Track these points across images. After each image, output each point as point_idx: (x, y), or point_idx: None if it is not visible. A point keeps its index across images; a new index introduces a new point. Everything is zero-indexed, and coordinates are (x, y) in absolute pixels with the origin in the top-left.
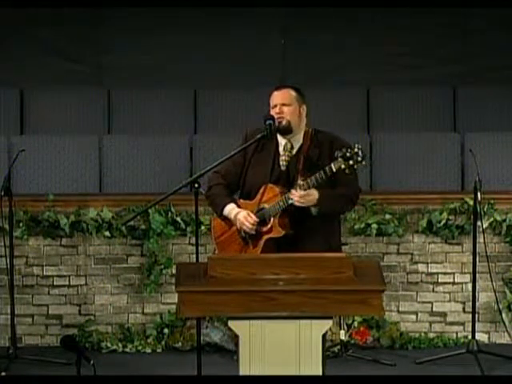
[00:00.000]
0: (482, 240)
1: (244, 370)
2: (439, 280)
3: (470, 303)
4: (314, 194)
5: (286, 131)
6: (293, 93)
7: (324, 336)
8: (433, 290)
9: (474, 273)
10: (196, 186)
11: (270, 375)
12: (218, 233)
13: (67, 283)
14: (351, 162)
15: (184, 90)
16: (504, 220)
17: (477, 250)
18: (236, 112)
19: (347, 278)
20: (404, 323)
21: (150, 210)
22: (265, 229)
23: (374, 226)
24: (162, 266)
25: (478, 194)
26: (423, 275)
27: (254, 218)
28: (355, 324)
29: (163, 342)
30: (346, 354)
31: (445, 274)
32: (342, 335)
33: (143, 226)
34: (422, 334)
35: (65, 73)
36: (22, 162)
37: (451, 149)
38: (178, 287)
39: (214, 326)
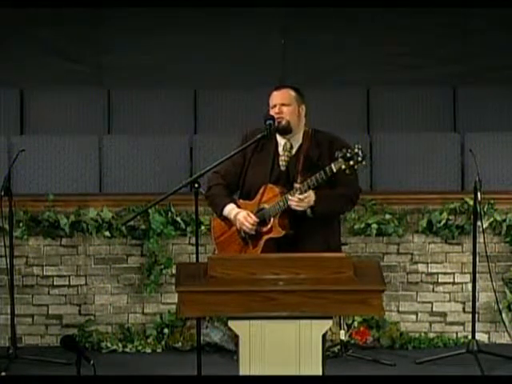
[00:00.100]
0: (482, 240)
1: (244, 370)
2: (439, 280)
3: (470, 303)
4: (311, 196)
5: (286, 131)
6: (292, 93)
7: (324, 336)
8: (433, 290)
9: (474, 273)
10: (196, 186)
11: (270, 375)
12: (218, 233)
13: (67, 283)
14: (351, 163)
15: (184, 89)
16: (504, 220)
17: (477, 250)
18: (236, 112)
19: (347, 277)
20: (404, 323)
21: (150, 210)
22: (265, 229)
23: (374, 226)
24: (162, 266)
25: (478, 194)
26: (423, 275)
27: (253, 219)
28: (355, 324)
29: (163, 342)
30: (346, 354)
31: (445, 274)
32: (342, 335)
33: (143, 226)
34: (422, 334)
35: (65, 73)
36: (22, 162)
37: (451, 149)
38: (178, 287)
39: (214, 325)
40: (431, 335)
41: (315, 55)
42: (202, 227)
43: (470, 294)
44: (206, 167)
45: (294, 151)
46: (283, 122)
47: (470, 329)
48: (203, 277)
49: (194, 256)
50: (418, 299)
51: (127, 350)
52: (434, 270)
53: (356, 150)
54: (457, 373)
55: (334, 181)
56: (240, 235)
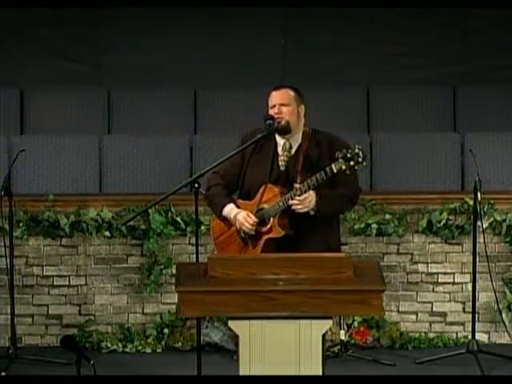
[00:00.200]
0: (482, 240)
1: (244, 370)
2: (439, 280)
3: (470, 303)
4: (312, 196)
5: (285, 131)
6: (291, 93)
7: (324, 336)
8: (433, 290)
9: (474, 273)
10: (196, 186)
11: (270, 375)
12: (218, 233)
13: (67, 283)
14: (352, 163)
15: (184, 89)
16: (504, 220)
17: (477, 250)
18: (236, 112)
19: (347, 278)
20: (404, 323)
21: (149, 210)
22: (264, 229)
23: (374, 226)
24: (162, 266)
25: (478, 193)
26: (423, 275)
27: (253, 219)
28: (355, 324)
29: (163, 342)
30: (346, 354)
31: (445, 274)
32: (342, 335)
33: (143, 226)
34: (422, 334)
35: (65, 73)
36: (22, 162)
37: (451, 149)
38: (178, 287)
39: (214, 325)
40: (431, 335)
41: (315, 55)
42: (202, 227)
43: (470, 294)
44: (206, 167)
45: (293, 151)
46: (282, 122)
47: (469, 329)
48: (203, 277)
49: (194, 256)
50: (418, 299)
51: (127, 350)
52: (434, 270)
53: (356, 151)
54: (457, 373)
55: (334, 181)
56: (240, 235)
